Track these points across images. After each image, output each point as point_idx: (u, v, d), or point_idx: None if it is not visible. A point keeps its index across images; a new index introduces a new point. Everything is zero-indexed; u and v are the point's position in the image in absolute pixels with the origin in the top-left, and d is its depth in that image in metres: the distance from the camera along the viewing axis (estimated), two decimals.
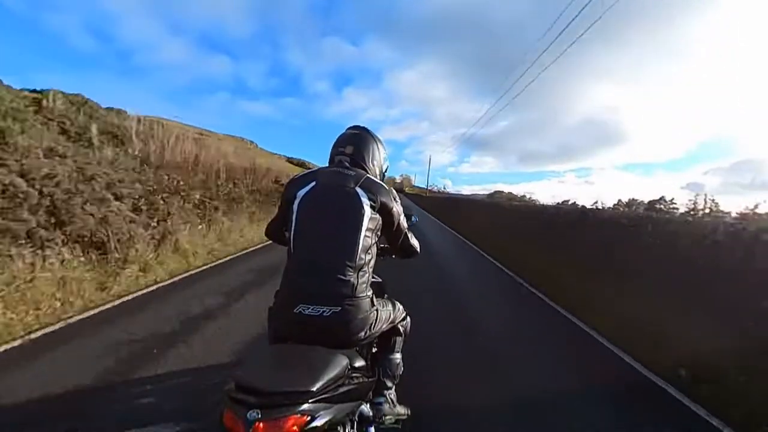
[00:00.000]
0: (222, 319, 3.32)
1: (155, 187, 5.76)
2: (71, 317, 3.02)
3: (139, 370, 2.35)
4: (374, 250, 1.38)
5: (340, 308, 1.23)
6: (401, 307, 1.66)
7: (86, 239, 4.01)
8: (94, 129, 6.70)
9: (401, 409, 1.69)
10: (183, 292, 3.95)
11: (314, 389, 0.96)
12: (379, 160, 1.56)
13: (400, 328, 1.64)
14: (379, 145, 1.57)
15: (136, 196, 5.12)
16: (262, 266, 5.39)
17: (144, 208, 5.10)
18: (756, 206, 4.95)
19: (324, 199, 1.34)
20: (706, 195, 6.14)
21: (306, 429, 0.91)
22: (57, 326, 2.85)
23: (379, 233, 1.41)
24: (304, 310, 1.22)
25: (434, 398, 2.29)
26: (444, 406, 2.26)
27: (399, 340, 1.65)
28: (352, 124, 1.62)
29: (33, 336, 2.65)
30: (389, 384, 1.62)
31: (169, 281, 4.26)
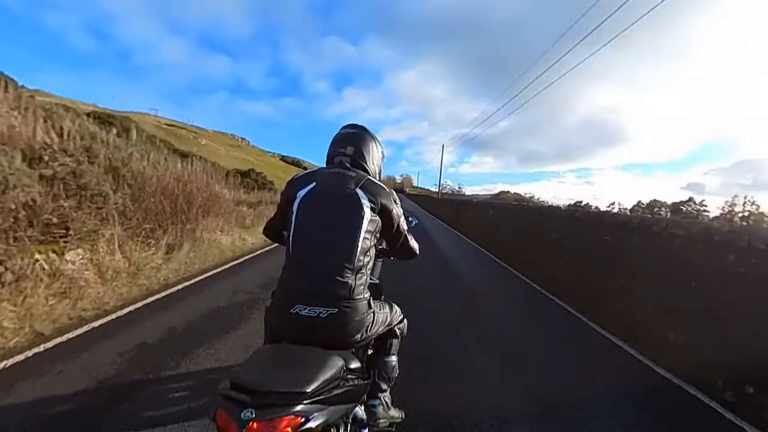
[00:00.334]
0: None
1: None
2: None
3: None
4: (373, 252, 1.38)
5: (337, 310, 1.23)
6: (398, 309, 1.66)
7: None
8: None
9: (395, 413, 1.69)
10: None
11: (309, 390, 0.96)
12: (377, 159, 1.56)
13: (397, 330, 1.64)
14: (377, 144, 1.57)
15: None
16: None
17: None
18: None
19: (324, 200, 1.34)
20: (746, 196, 4.88)
21: (300, 430, 0.91)
22: None
23: (378, 235, 1.41)
24: (300, 310, 1.21)
25: None
26: None
27: (395, 342, 1.65)
28: (348, 123, 1.61)
29: None
30: (384, 386, 1.61)
31: None
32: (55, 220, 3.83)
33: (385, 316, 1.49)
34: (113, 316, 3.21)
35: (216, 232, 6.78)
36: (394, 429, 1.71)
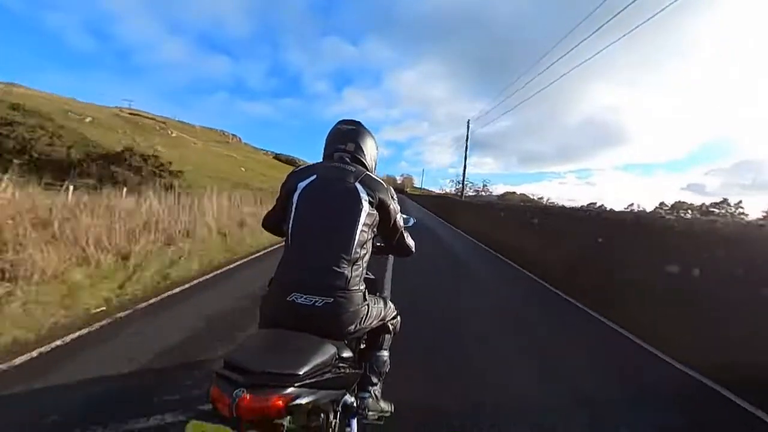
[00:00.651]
0: None
1: None
2: None
3: None
4: (370, 245, 1.42)
5: (332, 299, 1.26)
6: (392, 305, 1.69)
7: None
8: None
9: (385, 405, 1.71)
10: None
11: (300, 373, 0.98)
12: (374, 154, 1.61)
13: (390, 326, 1.66)
14: (373, 139, 1.62)
15: None
16: None
17: None
18: None
19: (323, 193, 1.37)
20: None
21: (289, 406, 0.94)
22: None
23: (375, 229, 1.44)
24: (297, 298, 1.24)
25: None
26: None
27: (388, 337, 1.68)
28: (343, 119, 1.63)
29: None
30: (375, 380, 1.64)
31: None
32: None
33: (380, 310, 1.52)
34: None
35: None
36: (383, 422, 1.74)
